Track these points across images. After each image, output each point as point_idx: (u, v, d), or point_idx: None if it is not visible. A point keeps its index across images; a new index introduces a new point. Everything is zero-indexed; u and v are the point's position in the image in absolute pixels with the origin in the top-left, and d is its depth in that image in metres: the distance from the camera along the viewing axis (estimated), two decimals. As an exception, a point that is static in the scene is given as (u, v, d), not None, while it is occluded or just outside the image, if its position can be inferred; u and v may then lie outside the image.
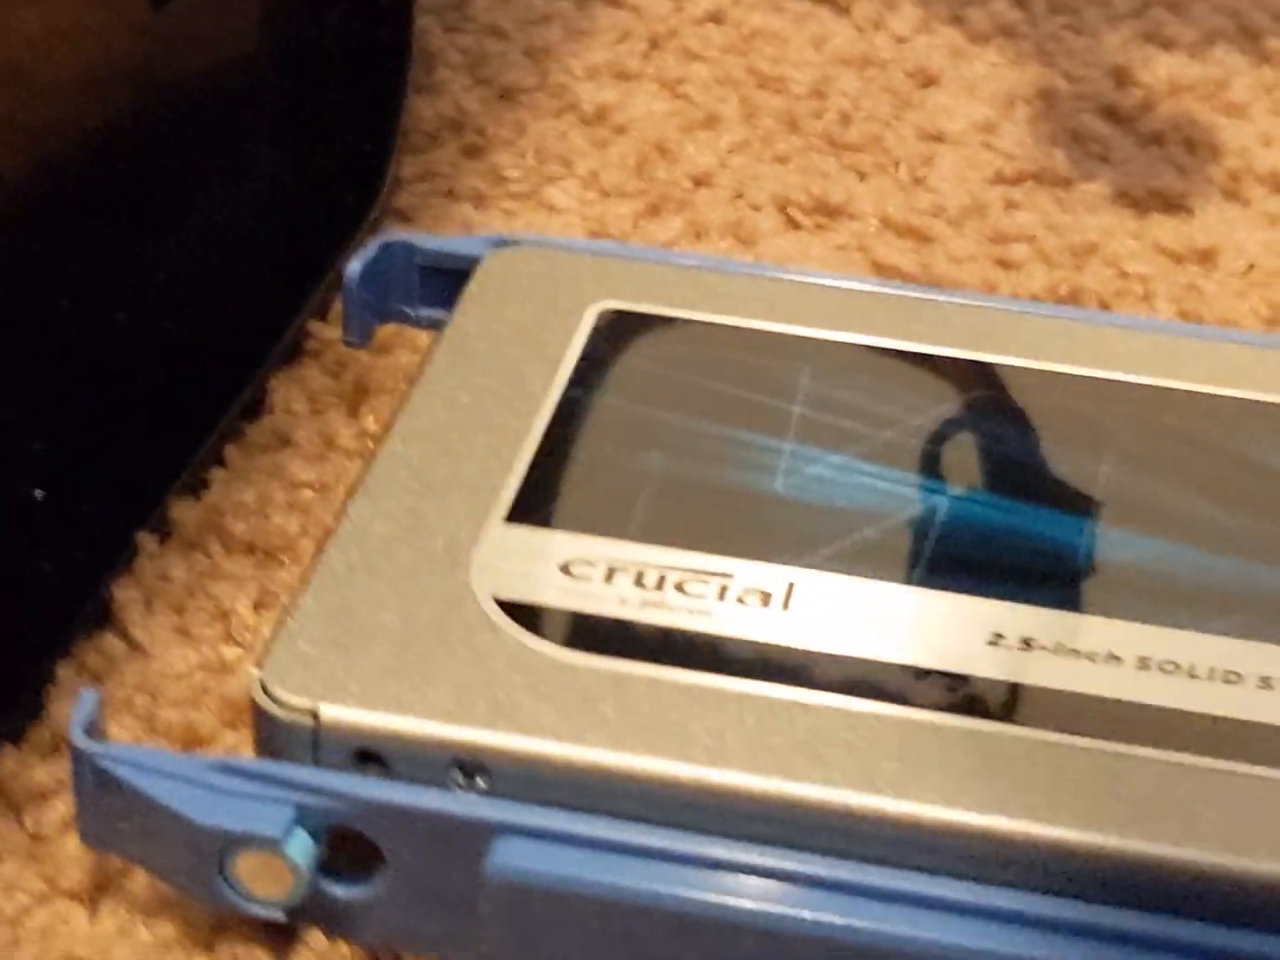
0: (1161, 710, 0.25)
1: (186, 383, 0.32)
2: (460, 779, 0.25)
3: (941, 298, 0.31)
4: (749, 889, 0.24)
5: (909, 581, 0.27)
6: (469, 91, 0.39)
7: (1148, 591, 0.27)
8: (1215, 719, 0.25)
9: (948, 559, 0.27)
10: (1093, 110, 0.39)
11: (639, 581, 0.26)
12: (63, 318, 0.32)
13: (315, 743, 0.25)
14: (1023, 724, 0.25)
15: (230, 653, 0.29)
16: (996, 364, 0.30)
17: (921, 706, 0.25)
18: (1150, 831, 0.24)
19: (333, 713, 0.25)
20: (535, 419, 0.29)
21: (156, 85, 0.34)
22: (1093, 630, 0.26)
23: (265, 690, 0.25)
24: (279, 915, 0.25)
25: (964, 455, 0.28)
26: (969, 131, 0.39)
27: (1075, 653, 0.26)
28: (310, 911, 0.25)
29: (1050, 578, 0.27)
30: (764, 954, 0.24)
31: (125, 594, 0.29)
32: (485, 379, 0.29)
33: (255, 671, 0.25)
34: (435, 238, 0.32)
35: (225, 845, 0.24)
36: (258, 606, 0.30)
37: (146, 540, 0.30)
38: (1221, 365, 0.30)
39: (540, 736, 0.25)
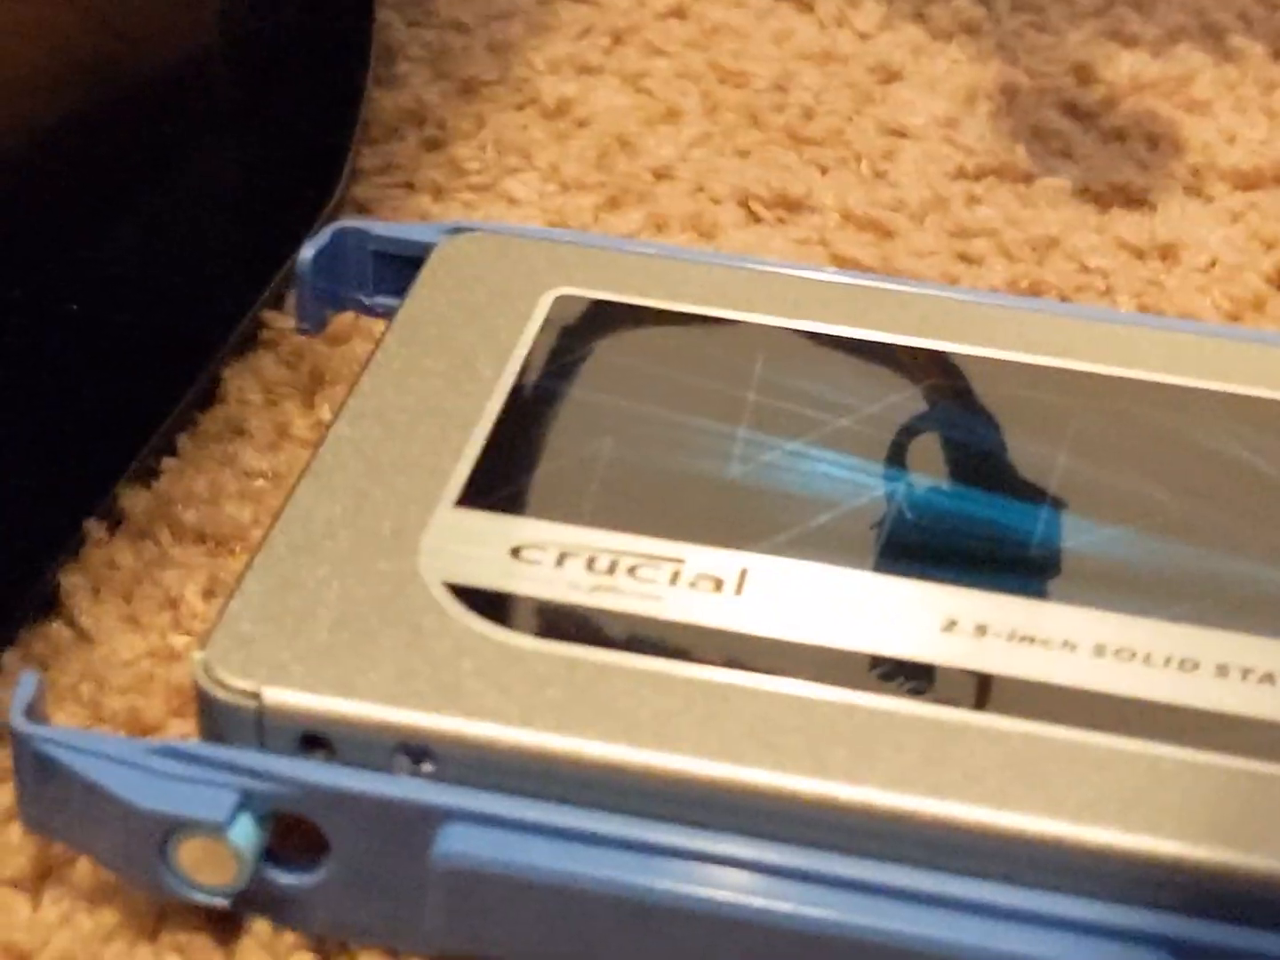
0: (1118, 697, 0.25)
1: (139, 372, 0.32)
2: (407, 764, 0.24)
3: (898, 287, 0.31)
4: (699, 875, 0.24)
5: (862, 567, 0.26)
6: (430, 85, 0.39)
7: (1104, 579, 0.26)
8: (1171, 707, 0.25)
9: (902, 545, 0.27)
10: (1054, 106, 0.39)
11: (590, 566, 0.26)
12: (14, 307, 0.32)
13: (259, 726, 0.24)
14: (976, 710, 0.25)
15: (179, 640, 0.29)
16: (953, 352, 0.30)
17: (874, 692, 0.25)
18: (1103, 817, 0.23)
19: (276, 696, 0.24)
20: (487, 403, 0.28)
21: (115, 75, 0.34)
22: (1048, 617, 0.26)
23: (208, 672, 0.25)
24: (223, 903, 0.25)
25: (920, 443, 0.28)
26: (930, 126, 0.38)
27: (1030, 639, 0.26)
28: (255, 900, 0.25)
29: (1006, 565, 0.27)
30: (713, 940, 0.24)
31: (72, 581, 0.29)
32: (437, 363, 0.29)
33: (198, 654, 0.25)
34: (389, 225, 0.32)
35: (168, 830, 0.24)
36: (207, 595, 0.29)
37: (95, 528, 0.30)
38: (1180, 355, 0.30)
39: (488, 721, 0.24)
